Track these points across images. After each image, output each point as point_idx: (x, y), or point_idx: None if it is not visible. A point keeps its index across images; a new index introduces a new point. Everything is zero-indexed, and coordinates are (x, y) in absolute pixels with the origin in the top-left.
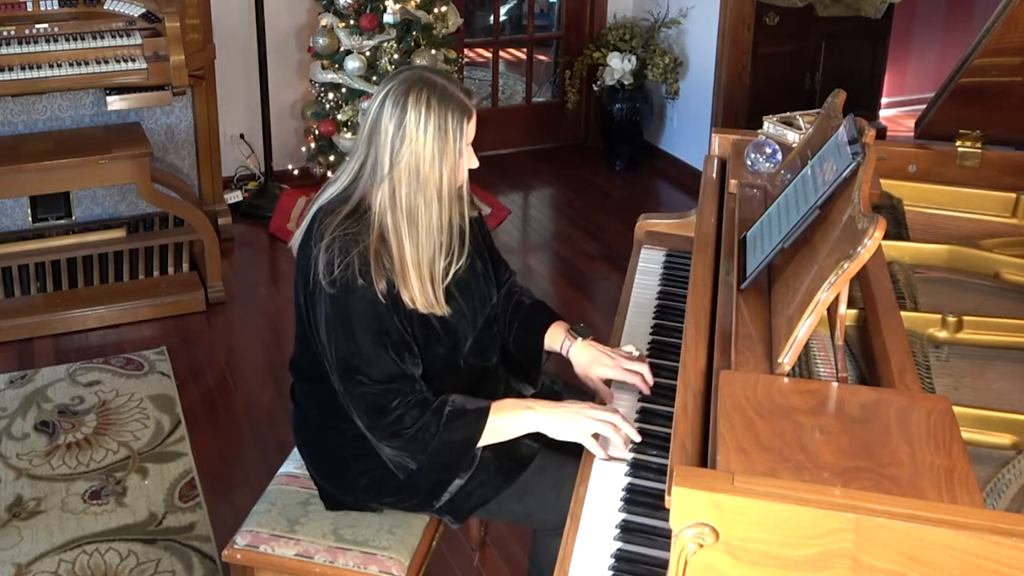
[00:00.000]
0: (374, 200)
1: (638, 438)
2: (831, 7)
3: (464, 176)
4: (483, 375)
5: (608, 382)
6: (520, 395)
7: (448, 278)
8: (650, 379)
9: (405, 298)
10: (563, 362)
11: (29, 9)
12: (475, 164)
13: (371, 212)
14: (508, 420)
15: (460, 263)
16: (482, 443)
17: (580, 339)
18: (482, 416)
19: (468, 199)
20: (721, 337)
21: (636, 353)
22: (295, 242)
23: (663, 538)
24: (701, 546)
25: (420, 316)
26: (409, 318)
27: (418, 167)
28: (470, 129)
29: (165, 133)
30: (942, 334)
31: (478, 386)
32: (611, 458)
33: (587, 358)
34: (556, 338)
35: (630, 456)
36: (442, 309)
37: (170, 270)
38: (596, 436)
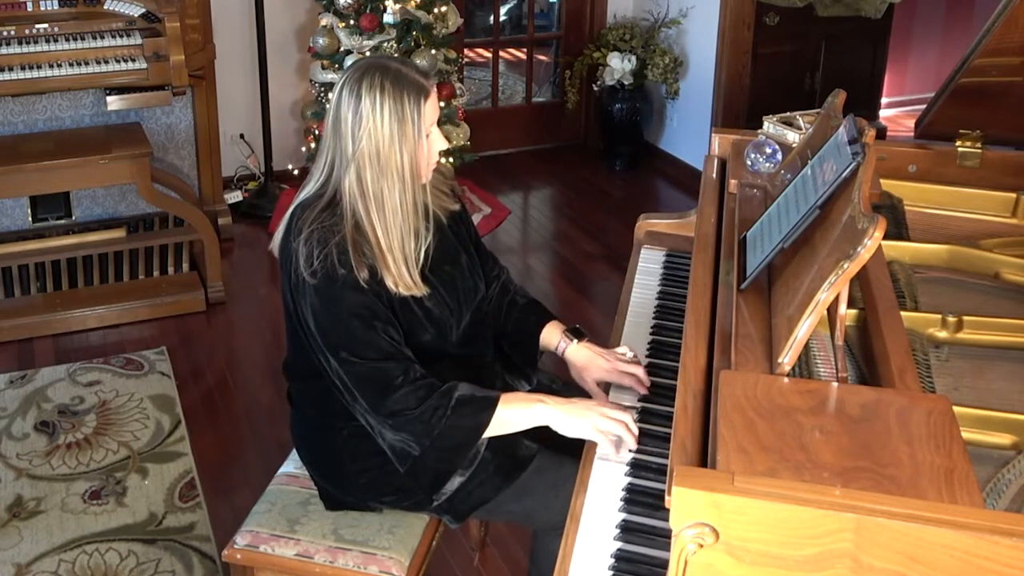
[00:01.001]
0: (343, 189)
1: (634, 445)
2: (831, 7)
3: (433, 159)
4: (479, 370)
5: (605, 386)
6: (516, 391)
7: (421, 260)
8: (646, 381)
9: (388, 282)
10: (560, 361)
11: (29, 9)
12: (443, 145)
13: (343, 202)
14: (517, 412)
15: (428, 242)
16: (489, 433)
17: (576, 341)
18: (491, 405)
19: (448, 191)
20: (721, 337)
21: (631, 355)
22: (275, 242)
23: (663, 538)
24: (701, 546)
25: (402, 302)
26: (392, 305)
27: (378, 151)
28: (428, 109)
29: (165, 133)
30: (942, 334)
31: (474, 380)
32: (618, 459)
33: (583, 360)
34: (552, 339)
35: (630, 456)
36: (420, 290)
37: (170, 270)
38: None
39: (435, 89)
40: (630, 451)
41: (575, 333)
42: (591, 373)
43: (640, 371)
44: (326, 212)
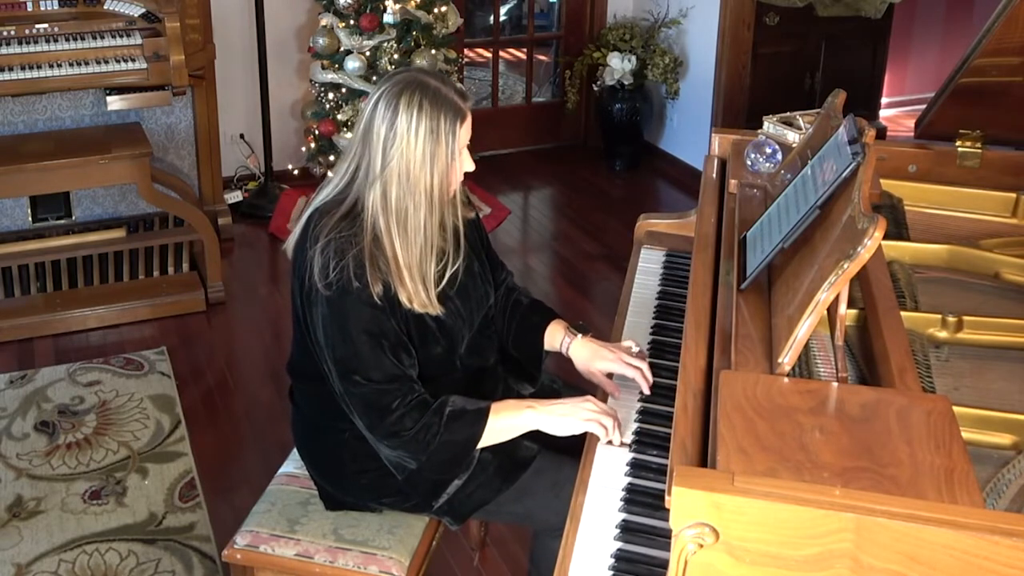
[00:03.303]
0: (367, 201)
1: (620, 440)
2: (831, 7)
3: (458, 180)
4: (482, 375)
5: (611, 376)
6: (519, 395)
7: (444, 281)
8: (649, 376)
9: (402, 298)
10: (562, 361)
11: (29, 9)
12: (471, 167)
13: (364, 214)
14: (508, 420)
15: (456, 265)
16: (482, 444)
17: (579, 336)
18: (482, 417)
19: (464, 200)
20: (721, 337)
21: (636, 349)
22: (290, 244)
23: (663, 538)
24: (701, 546)
25: (416, 316)
26: (405, 319)
27: (408, 169)
28: (463, 132)
29: (165, 133)
30: (942, 334)
31: (477, 386)
32: (610, 442)
33: (587, 354)
34: (555, 336)
35: (630, 456)
36: (435, 309)
37: (170, 270)
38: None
39: (470, 112)
40: (624, 443)
41: (578, 329)
42: (597, 365)
43: (645, 366)
44: (345, 221)
